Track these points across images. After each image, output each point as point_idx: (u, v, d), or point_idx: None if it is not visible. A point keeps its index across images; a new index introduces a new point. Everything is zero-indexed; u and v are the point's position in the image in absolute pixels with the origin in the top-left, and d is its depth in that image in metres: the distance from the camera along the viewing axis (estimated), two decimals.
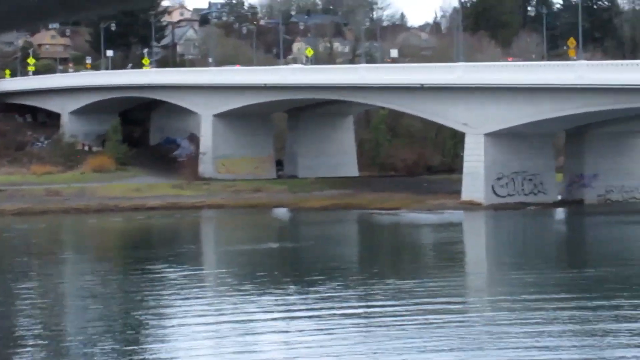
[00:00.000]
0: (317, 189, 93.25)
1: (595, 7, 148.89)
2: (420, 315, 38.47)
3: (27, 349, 34.18)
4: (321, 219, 79.11)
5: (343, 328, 36.59)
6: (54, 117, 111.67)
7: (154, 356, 32.94)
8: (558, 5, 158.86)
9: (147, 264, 57.18)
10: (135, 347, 34.24)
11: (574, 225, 78.10)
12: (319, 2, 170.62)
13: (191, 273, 54.93)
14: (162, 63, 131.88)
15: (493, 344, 33.13)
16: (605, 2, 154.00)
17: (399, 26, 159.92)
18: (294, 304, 42.59)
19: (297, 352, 32.88)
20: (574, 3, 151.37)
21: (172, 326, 38.76)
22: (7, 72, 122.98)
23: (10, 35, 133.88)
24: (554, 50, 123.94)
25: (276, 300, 43.86)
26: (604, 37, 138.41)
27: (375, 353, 32.05)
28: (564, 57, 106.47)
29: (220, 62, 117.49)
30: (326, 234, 72.64)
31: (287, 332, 37.06)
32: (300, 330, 36.85)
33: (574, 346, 32.83)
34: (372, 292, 45.30)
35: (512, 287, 47.59)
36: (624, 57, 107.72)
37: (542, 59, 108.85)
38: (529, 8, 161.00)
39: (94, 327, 38.31)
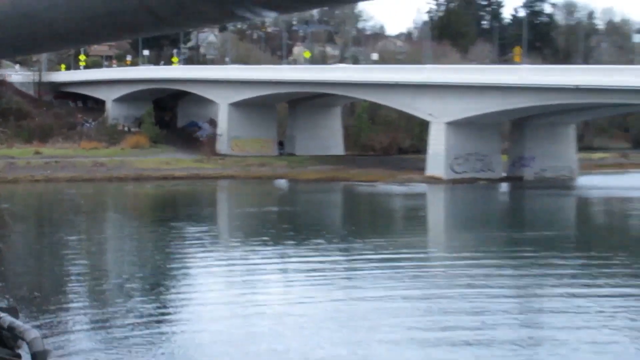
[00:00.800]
0: (311, 164, 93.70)
1: (536, 21, 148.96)
2: (392, 262, 39.33)
3: (73, 286, 34.88)
4: (314, 189, 79.60)
5: (329, 271, 37.40)
6: (100, 103, 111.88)
7: (176, 291, 33.69)
8: (507, 20, 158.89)
9: (173, 221, 57.76)
10: (161, 286, 34.98)
11: (514, 196, 78.82)
12: (315, 14, 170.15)
13: (208, 228, 55.58)
14: (188, 61, 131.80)
15: (450, 282, 34.22)
16: (545, 18, 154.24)
17: (379, 35, 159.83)
18: (290, 254, 43.30)
19: (293, 288, 33.76)
20: (520, 18, 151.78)
21: (191, 268, 39.54)
22: (63, 66, 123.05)
23: None
24: (503, 56, 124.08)
25: (276, 249, 44.63)
26: (543, 46, 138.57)
27: (355, 287, 33.07)
28: (510, 62, 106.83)
29: (235, 62, 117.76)
30: (317, 200, 73.24)
31: (284, 273, 37.93)
32: (295, 271, 37.76)
33: (513, 285, 34.11)
34: (353, 245, 45.98)
35: (465, 242, 48.37)
36: (558, 63, 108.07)
37: (493, 63, 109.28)
38: (483, 22, 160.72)
39: (128, 269, 39.06)
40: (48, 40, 7.39)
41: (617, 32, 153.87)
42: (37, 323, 26.39)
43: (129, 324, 27.92)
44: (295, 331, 27.34)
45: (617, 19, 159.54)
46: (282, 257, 42.28)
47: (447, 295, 31.89)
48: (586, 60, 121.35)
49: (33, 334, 10.41)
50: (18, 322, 10.80)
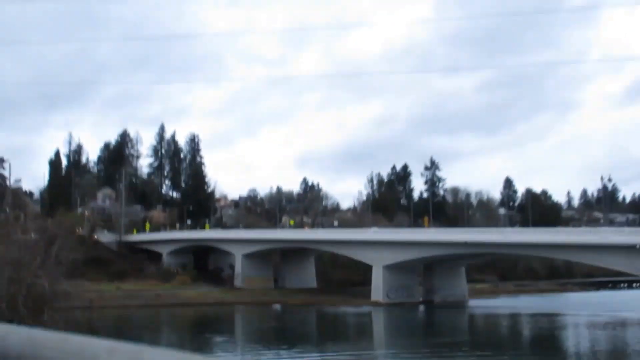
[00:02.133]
0: (296, 294, 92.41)
1: (435, 200, 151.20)
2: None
3: None
4: (298, 310, 78.40)
5: None
6: (159, 255, 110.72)
7: None
8: (416, 199, 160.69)
9: (206, 333, 56.39)
10: None
11: (429, 314, 77.35)
12: (295, 195, 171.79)
13: (228, 338, 54.25)
14: (215, 227, 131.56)
15: None
16: (440, 198, 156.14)
17: (336, 209, 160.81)
18: (283, 354, 42.07)
19: None
20: (425, 198, 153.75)
21: None
22: (135, 230, 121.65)
23: (137, 209, 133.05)
24: (417, 222, 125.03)
25: (275, 351, 43.37)
26: (440, 215, 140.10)
27: None
28: (422, 225, 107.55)
29: (246, 227, 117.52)
30: (301, 318, 71.99)
31: None
32: None
33: None
34: (326, 346, 44.84)
35: (401, 346, 47.33)
36: (450, 227, 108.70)
37: (410, 227, 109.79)
38: (401, 200, 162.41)
39: None
40: None
41: (486, 206, 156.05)
42: None
43: None
44: None
45: (485, 197, 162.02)
46: (278, 355, 41.14)
47: None
48: (467, 225, 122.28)
49: None
50: None
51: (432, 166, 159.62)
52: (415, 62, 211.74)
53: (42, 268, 45.22)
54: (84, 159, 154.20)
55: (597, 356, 42.82)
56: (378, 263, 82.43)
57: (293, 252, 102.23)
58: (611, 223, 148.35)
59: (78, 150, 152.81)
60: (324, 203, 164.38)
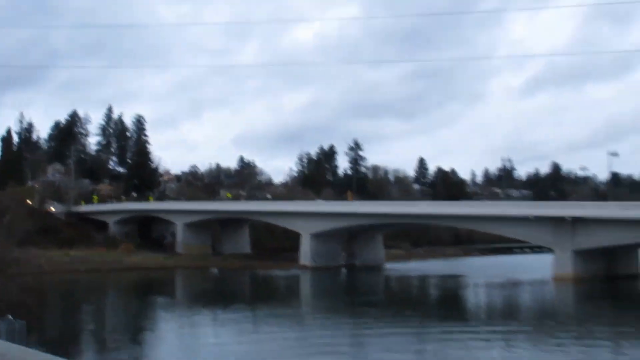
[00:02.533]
0: (232, 259, 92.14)
1: (358, 176, 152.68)
2: (272, 318, 38.45)
3: (86, 333, 32.95)
4: (234, 274, 78.19)
5: (233, 320, 36.37)
6: (105, 225, 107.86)
7: (152, 332, 32.03)
8: (341, 176, 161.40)
9: (149, 295, 55.67)
10: (143, 330, 33.32)
11: (351, 276, 78.49)
12: (232, 171, 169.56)
13: (169, 299, 53.74)
14: (158, 199, 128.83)
15: (318, 324, 33.35)
16: (362, 174, 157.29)
17: (269, 184, 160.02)
18: (219, 312, 41.97)
19: (224, 329, 32.54)
20: (349, 175, 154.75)
21: (160, 320, 37.86)
22: (83, 202, 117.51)
23: (85, 182, 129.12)
24: (342, 196, 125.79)
25: (211, 308, 43.20)
26: (362, 190, 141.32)
27: (257, 329, 32.06)
28: (346, 199, 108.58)
29: (188, 200, 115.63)
30: (234, 280, 71.83)
31: (216, 320, 36.59)
32: (224, 320, 36.48)
33: (353, 322, 33.33)
34: (257, 305, 44.97)
35: (325, 304, 47.87)
36: (371, 200, 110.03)
37: (335, 200, 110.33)
38: (327, 176, 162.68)
39: (124, 322, 37.16)
40: None
41: (402, 182, 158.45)
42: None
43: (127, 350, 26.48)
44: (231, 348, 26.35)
45: (401, 174, 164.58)
46: (214, 313, 41.02)
47: (316, 334, 31.30)
48: (386, 198, 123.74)
49: None
50: None
51: (356, 147, 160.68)
52: (345, 54, 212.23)
53: None
54: (35, 137, 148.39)
55: (492, 310, 44.60)
56: (306, 231, 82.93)
57: (230, 222, 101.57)
58: (509, 197, 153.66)
59: (29, 129, 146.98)
60: (258, 178, 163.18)
